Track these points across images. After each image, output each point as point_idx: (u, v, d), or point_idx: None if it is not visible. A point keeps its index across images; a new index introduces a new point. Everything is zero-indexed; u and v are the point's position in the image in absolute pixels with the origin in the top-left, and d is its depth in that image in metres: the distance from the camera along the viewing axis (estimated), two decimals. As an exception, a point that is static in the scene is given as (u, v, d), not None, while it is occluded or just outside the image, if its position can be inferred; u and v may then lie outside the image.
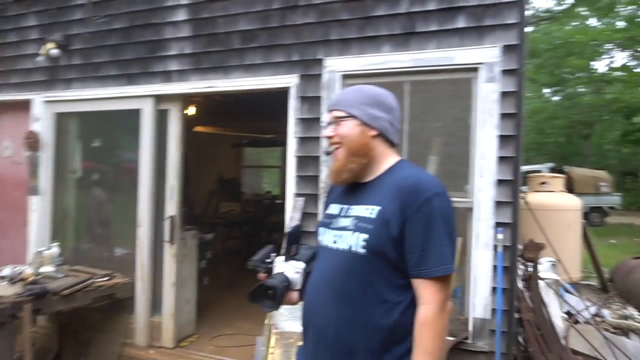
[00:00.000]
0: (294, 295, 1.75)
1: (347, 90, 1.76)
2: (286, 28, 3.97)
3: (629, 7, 21.39)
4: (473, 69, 3.47)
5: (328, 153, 1.76)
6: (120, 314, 4.64)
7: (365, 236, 1.56)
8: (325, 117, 1.80)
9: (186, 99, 4.70)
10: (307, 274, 1.75)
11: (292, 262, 1.73)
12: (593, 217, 16.12)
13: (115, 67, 4.62)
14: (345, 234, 1.63)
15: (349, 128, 1.67)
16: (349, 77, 3.77)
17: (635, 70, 21.69)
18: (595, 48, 20.75)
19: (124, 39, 4.57)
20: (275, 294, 1.61)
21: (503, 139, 3.36)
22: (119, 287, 4.46)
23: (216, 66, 4.21)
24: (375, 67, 3.68)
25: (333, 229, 1.69)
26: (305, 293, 1.73)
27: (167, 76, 4.41)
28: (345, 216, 1.68)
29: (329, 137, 1.72)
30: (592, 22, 24.16)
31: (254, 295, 1.63)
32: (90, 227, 5.12)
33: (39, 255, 4.45)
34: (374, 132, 1.68)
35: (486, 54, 3.41)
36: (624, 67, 22.33)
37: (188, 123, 7.61)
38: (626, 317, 4.98)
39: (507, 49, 3.37)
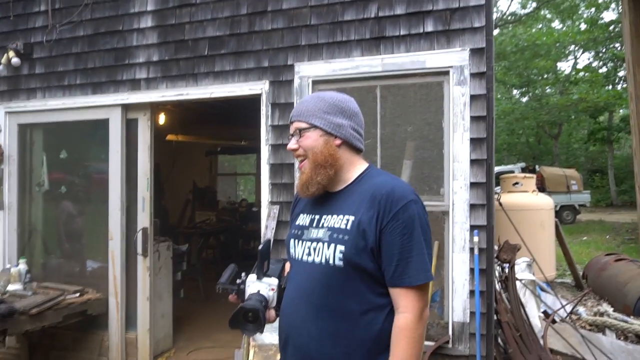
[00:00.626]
0: (272, 313, 1.67)
1: (306, 99, 1.69)
2: (255, 34, 3.93)
3: (590, 9, 22.10)
4: (443, 73, 3.49)
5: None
6: (94, 331, 4.50)
7: (342, 248, 1.51)
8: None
9: (155, 108, 4.60)
10: (281, 289, 1.69)
11: (266, 279, 1.66)
12: (564, 215, 16.49)
13: (81, 75, 4.49)
14: (319, 246, 1.58)
15: (313, 139, 1.61)
16: (320, 83, 3.75)
17: (599, 71, 22.39)
18: (560, 50, 21.32)
19: (88, 46, 4.45)
20: (257, 317, 1.54)
21: (475, 141, 3.38)
22: (92, 303, 4.33)
23: (185, 74, 4.13)
24: (346, 72, 3.66)
25: (305, 240, 1.64)
26: (281, 309, 1.67)
27: (134, 85, 4.31)
28: (317, 227, 1.63)
29: (293, 150, 1.67)
30: (556, 24, 24.90)
31: (234, 320, 1.56)
32: (59, 242, 4.95)
33: (6, 273, 4.29)
34: (338, 141, 1.62)
35: (455, 58, 3.43)
36: (587, 68, 23.03)
37: (159, 132, 7.53)
38: (601, 314, 5.07)
39: (476, 52, 3.40)
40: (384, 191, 1.52)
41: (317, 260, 1.57)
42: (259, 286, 1.64)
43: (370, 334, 1.51)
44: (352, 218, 1.54)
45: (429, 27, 3.50)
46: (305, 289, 1.59)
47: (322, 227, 1.61)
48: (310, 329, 1.55)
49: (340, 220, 1.57)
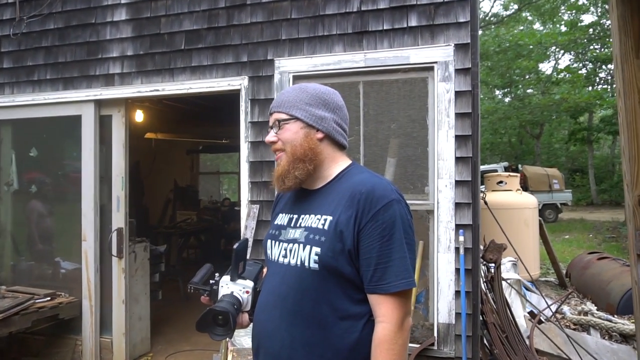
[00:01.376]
0: (245, 317, 1.57)
1: (288, 90, 1.57)
2: (234, 28, 3.79)
3: (570, 11, 22.40)
4: (428, 68, 3.40)
5: None
6: (67, 335, 4.36)
7: (318, 250, 1.40)
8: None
9: (131, 104, 4.43)
10: (256, 292, 1.58)
11: (240, 281, 1.55)
12: (547, 213, 16.64)
13: (51, 70, 4.30)
14: (295, 248, 1.47)
15: (293, 132, 1.50)
16: (301, 78, 3.63)
17: (579, 72, 22.69)
18: (542, 50, 21.55)
19: (59, 40, 4.26)
20: (227, 320, 1.42)
21: (460, 138, 3.29)
22: (64, 307, 4.16)
23: (161, 68, 3.97)
24: (327, 68, 3.55)
25: (282, 241, 1.53)
26: (255, 314, 1.56)
27: (108, 80, 4.14)
28: (295, 227, 1.52)
29: (272, 143, 1.55)
30: (537, 26, 25.22)
31: (203, 323, 1.44)
32: (30, 243, 4.75)
33: (-29, 277, 4.10)
34: (319, 135, 1.51)
35: (440, 53, 3.34)
36: (568, 68, 23.33)
37: (138, 129, 7.36)
38: (586, 313, 5.04)
39: (460, 47, 3.32)
40: (364, 190, 1.40)
41: (293, 262, 1.46)
42: (233, 288, 1.54)
43: (346, 344, 1.39)
44: (329, 218, 1.43)
45: (413, 22, 3.41)
46: (279, 293, 1.47)
47: (300, 227, 1.50)
48: (283, 336, 1.44)
49: (317, 220, 1.45)
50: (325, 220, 1.43)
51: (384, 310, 1.36)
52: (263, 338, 1.51)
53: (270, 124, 1.56)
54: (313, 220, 1.47)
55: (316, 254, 1.40)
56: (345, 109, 1.60)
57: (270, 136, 1.54)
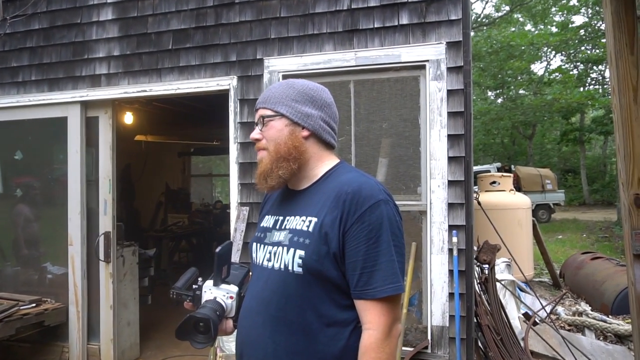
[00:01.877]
0: (229, 323, 1.51)
1: (275, 86, 1.51)
2: (222, 27, 3.73)
3: (562, 12, 22.52)
4: (419, 67, 3.35)
5: None
6: (53, 342, 4.27)
7: (302, 253, 1.33)
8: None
9: (118, 105, 4.35)
10: (241, 297, 1.51)
11: (224, 286, 1.48)
12: (540, 214, 16.66)
13: (36, 71, 4.21)
14: (279, 251, 1.40)
15: (277, 129, 1.43)
16: (290, 78, 3.56)
17: (571, 73, 22.81)
18: (534, 51, 21.64)
19: (44, 40, 4.17)
20: (208, 327, 1.35)
21: (453, 138, 3.24)
22: (49, 313, 4.07)
23: (148, 69, 3.90)
24: (318, 67, 3.49)
25: (267, 244, 1.46)
26: (239, 320, 1.49)
27: (94, 81, 4.06)
28: (280, 229, 1.45)
29: (256, 140, 1.48)
30: (528, 27, 25.35)
31: (183, 330, 1.37)
32: (15, 248, 4.65)
33: (-47, 284, 3.99)
34: (305, 133, 1.44)
35: (432, 51, 3.29)
36: (559, 69, 23.44)
37: (128, 132, 7.26)
38: (580, 313, 5.01)
39: (452, 45, 3.27)
40: (350, 190, 1.33)
41: (276, 266, 1.39)
42: (216, 293, 1.47)
43: (332, 351, 1.32)
44: (314, 220, 1.36)
45: (404, 20, 3.36)
46: (262, 298, 1.40)
47: (284, 229, 1.43)
48: (266, 344, 1.37)
49: (302, 222, 1.39)
50: (310, 222, 1.36)
51: (371, 317, 1.29)
52: (246, 346, 1.44)
53: (256, 120, 1.50)
54: (297, 222, 1.40)
55: (300, 257, 1.33)
56: (335, 107, 1.53)
57: (255, 133, 1.48)
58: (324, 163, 1.47)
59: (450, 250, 3.21)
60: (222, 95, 3.81)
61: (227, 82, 3.71)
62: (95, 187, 4.23)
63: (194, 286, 1.51)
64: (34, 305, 4.03)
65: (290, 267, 1.35)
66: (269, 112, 1.45)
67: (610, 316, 5.20)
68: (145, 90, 3.91)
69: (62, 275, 4.31)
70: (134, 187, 8.69)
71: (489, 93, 26.95)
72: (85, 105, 4.18)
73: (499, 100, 26.22)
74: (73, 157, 4.19)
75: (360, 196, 1.31)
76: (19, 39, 4.25)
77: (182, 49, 3.82)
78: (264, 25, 3.64)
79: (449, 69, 3.25)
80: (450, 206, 3.23)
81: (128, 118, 6.56)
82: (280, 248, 1.39)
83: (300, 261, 1.33)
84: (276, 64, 3.59)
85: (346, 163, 1.52)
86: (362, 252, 1.29)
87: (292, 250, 1.36)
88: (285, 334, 1.35)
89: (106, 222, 4.20)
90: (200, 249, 8.62)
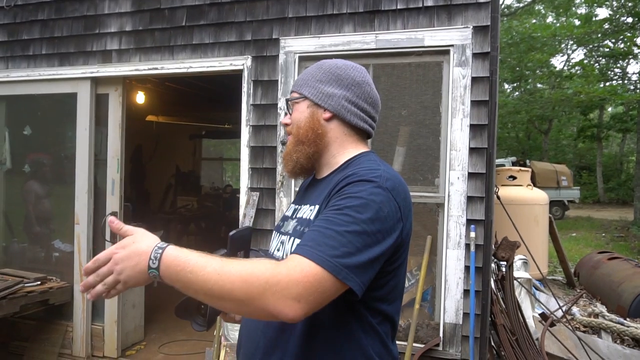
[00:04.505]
0: None
1: (308, 67, 1.43)
2: (238, 4, 3.58)
3: (586, 4, 21.93)
4: (443, 52, 3.18)
5: (283, 143, 1.42)
6: (57, 321, 4.23)
7: (299, 242, 1.20)
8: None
9: (128, 83, 4.25)
10: None
11: None
12: (553, 210, 16.38)
13: (47, 45, 4.11)
14: (286, 240, 1.30)
15: (300, 112, 1.34)
16: (307, 59, 3.42)
17: (594, 66, 22.28)
18: (555, 44, 21.14)
19: (55, 13, 4.06)
20: (207, 309, 1.25)
21: (475, 128, 3.08)
22: (54, 292, 4.02)
23: (160, 46, 3.77)
24: (336, 49, 3.34)
25: (282, 233, 1.37)
26: None
27: (105, 56, 3.94)
28: (293, 218, 1.36)
29: (285, 125, 1.40)
30: (550, 20, 24.78)
31: (184, 308, 1.26)
32: (23, 225, 4.60)
33: (-41, 259, 3.95)
34: (327, 115, 1.30)
35: (457, 35, 3.12)
36: (581, 62, 22.91)
37: (139, 112, 7.18)
38: (596, 315, 4.86)
39: (479, 30, 3.09)
40: (350, 172, 1.18)
41: (279, 255, 1.30)
42: None
43: (326, 351, 1.17)
44: (317, 207, 1.24)
45: (429, 1, 3.19)
46: None
47: (295, 218, 1.34)
48: (258, 337, 1.27)
49: (309, 211, 1.27)
50: (312, 210, 1.26)
51: (290, 262, 1.01)
52: (244, 337, 1.35)
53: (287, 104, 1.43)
54: (305, 211, 1.30)
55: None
56: (369, 87, 1.34)
57: (284, 118, 1.41)
58: (347, 150, 1.32)
59: (467, 246, 3.07)
60: (236, 77, 3.68)
61: (241, 62, 3.57)
62: (103, 167, 4.14)
63: None
64: (38, 283, 3.97)
65: None
66: (295, 95, 1.37)
67: (627, 319, 5.04)
68: (156, 68, 3.79)
69: (68, 254, 4.26)
70: (145, 168, 8.64)
71: (506, 86, 26.49)
72: (96, 81, 4.07)
73: (516, 94, 25.76)
74: (82, 135, 4.10)
75: (353, 176, 1.15)
76: (30, 11, 4.14)
77: (196, 26, 3.69)
78: (282, 3, 3.48)
79: (475, 55, 3.08)
80: (470, 199, 3.08)
81: (140, 97, 6.46)
82: (287, 237, 1.30)
83: None
84: (293, 45, 3.44)
85: (374, 154, 1.33)
86: (322, 218, 1.10)
87: (292, 239, 1.26)
88: (276, 330, 1.22)
89: (113, 202, 4.12)
90: (208, 232, 8.57)
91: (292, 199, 1.58)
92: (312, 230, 1.08)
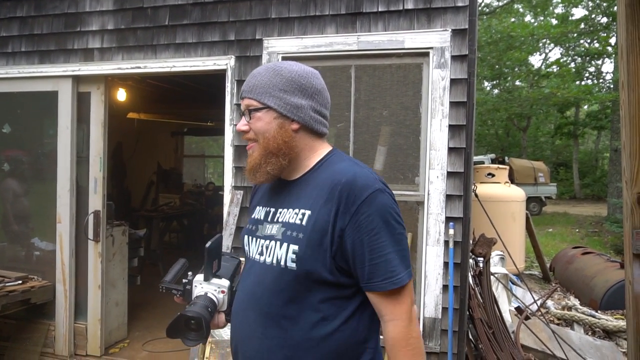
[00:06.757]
0: (221, 317, 1.45)
1: (260, 71, 1.38)
2: (221, 4, 3.60)
3: (563, 4, 22.35)
4: (423, 54, 3.27)
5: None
6: (39, 320, 4.20)
7: (295, 247, 1.27)
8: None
9: (111, 81, 4.23)
10: (233, 291, 1.46)
11: (215, 281, 1.43)
12: (531, 206, 16.72)
13: (26, 42, 4.07)
14: (272, 245, 1.34)
15: (265, 122, 1.34)
16: (290, 60, 3.46)
17: (569, 66, 22.75)
18: (534, 43, 21.51)
19: (35, 10, 4.02)
20: (200, 325, 1.31)
21: (454, 128, 3.18)
22: (36, 291, 4.00)
23: (143, 45, 3.77)
24: (318, 50, 3.40)
25: (259, 237, 1.40)
26: (232, 315, 1.44)
27: (87, 55, 3.93)
28: (272, 222, 1.39)
29: (243, 132, 1.39)
30: (528, 18, 25.19)
31: (174, 328, 1.33)
32: (2, 224, 4.55)
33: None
34: (295, 126, 1.35)
35: (436, 38, 3.21)
36: (557, 62, 23.37)
37: (120, 109, 7.12)
38: (570, 308, 5.02)
39: (457, 33, 3.18)
40: (344, 180, 1.27)
41: (269, 260, 1.33)
42: (207, 288, 1.42)
43: (328, 348, 1.27)
44: (308, 212, 1.30)
45: (409, 4, 3.26)
46: (254, 293, 1.35)
47: (277, 222, 1.37)
48: (260, 340, 1.32)
49: (295, 215, 1.32)
50: (304, 214, 1.30)
51: (389, 309, 1.27)
52: (240, 342, 1.39)
53: (242, 109, 1.40)
54: (291, 215, 1.33)
55: (294, 252, 1.27)
56: (326, 91, 1.42)
57: (242, 124, 1.38)
58: (316, 152, 1.40)
59: (446, 242, 3.17)
60: (219, 75, 3.71)
61: (225, 62, 3.61)
62: (85, 165, 4.13)
63: (183, 280, 1.45)
64: (19, 282, 3.95)
65: (283, 262, 1.29)
66: (255, 104, 1.34)
67: (599, 311, 5.23)
68: (139, 67, 3.79)
69: (49, 253, 4.23)
70: (125, 166, 8.57)
71: (486, 84, 26.86)
72: (77, 80, 4.05)
73: (495, 91, 26.15)
74: (63, 134, 4.08)
75: (355, 187, 1.25)
76: (8, 8, 4.09)
77: (179, 26, 3.70)
78: (265, 4, 3.52)
79: (453, 57, 3.17)
80: (448, 198, 3.17)
81: (121, 95, 6.42)
82: (273, 242, 1.33)
83: (294, 256, 1.27)
84: (276, 45, 3.49)
85: (339, 151, 1.44)
86: (366, 245, 1.24)
87: (285, 244, 1.30)
88: (276, 331, 1.30)
89: (96, 201, 4.11)
90: (191, 230, 8.55)
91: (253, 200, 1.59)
92: (373, 264, 1.25)
